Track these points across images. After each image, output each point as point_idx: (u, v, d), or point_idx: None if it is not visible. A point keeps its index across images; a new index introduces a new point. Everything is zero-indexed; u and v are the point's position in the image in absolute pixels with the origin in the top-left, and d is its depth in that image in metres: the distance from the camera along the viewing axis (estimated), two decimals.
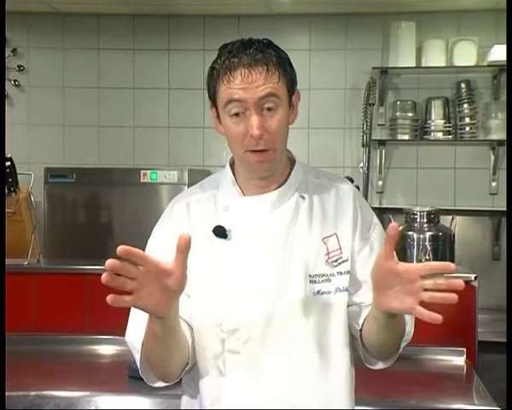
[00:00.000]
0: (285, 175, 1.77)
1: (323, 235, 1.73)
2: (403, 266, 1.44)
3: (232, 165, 1.80)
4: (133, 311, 1.77)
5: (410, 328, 1.72)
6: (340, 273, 1.72)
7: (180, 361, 1.70)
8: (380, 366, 1.80)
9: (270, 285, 1.70)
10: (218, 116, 1.70)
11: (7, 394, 2.63)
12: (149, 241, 1.85)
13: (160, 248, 1.76)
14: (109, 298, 1.36)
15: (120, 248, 1.36)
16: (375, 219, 1.84)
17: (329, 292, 1.71)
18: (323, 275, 1.71)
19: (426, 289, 1.40)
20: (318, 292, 1.70)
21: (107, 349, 3.23)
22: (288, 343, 1.70)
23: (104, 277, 1.35)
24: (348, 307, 1.76)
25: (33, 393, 2.66)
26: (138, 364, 1.72)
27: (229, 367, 1.70)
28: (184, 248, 1.42)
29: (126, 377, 2.72)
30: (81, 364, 3.12)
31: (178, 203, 1.85)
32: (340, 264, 1.73)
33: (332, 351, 1.73)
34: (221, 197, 1.78)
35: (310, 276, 1.70)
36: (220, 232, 1.73)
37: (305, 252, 1.71)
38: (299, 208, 1.74)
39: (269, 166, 1.70)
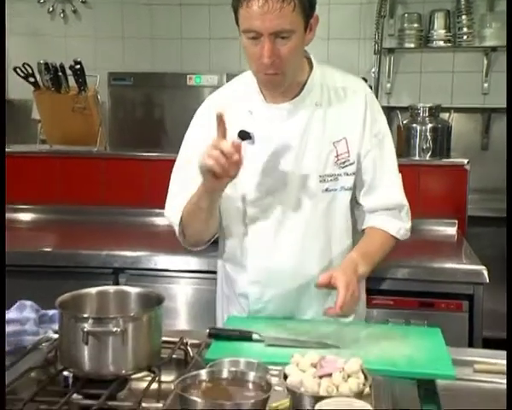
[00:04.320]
0: (302, 83, 1.70)
1: (334, 139, 1.69)
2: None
3: None
4: (170, 193, 1.81)
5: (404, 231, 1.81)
6: (347, 174, 1.70)
7: (211, 231, 1.76)
8: None
9: (285, 182, 1.69)
10: (238, 29, 1.63)
11: (85, 252, 2.73)
12: (186, 134, 1.86)
13: (194, 141, 1.80)
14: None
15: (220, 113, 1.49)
16: (383, 124, 1.78)
17: (335, 189, 1.70)
18: (332, 175, 1.69)
19: None
20: (326, 189, 1.69)
21: (161, 221, 3.27)
22: (299, 227, 1.71)
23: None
24: (356, 204, 1.78)
25: (104, 252, 2.73)
26: (177, 234, 1.79)
27: (254, 246, 1.75)
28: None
29: (178, 242, 2.77)
30: (141, 232, 3.18)
31: (209, 104, 1.83)
32: (347, 166, 1.70)
33: (334, 236, 1.75)
34: (246, 100, 1.74)
35: (320, 176, 1.68)
36: (245, 135, 1.70)
37: (317, 155, 1.68)
38: (313, 115, 1.70)
39: (277, 88, 1.65)
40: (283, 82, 1.63)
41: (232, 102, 1.76)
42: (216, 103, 1.79)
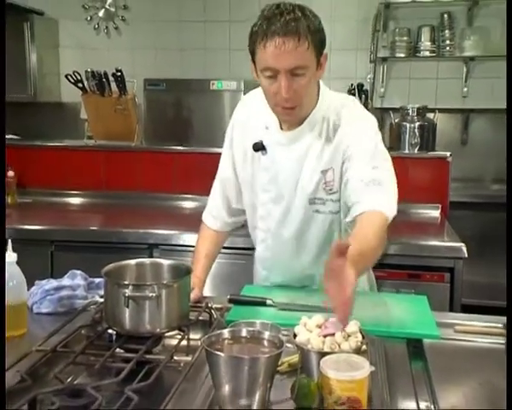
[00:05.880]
0: (308, 113, 1.57)
1: (323, 168, 1.58)
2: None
3: None
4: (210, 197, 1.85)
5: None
6: (333, 200, 1.60)
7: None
8: None
9: (284, 195, 1.64)
10: (255, 69, 1.50)
11: (125, 230, 2.73)
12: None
13: (223, 158, 1.77)
14: None
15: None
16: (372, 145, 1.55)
17: (324, 212, 1.61)
18: (321, 199, 1.60)
19: None
20: (317, 211, 1.62)
21: (188, 204, 3.28)
22: (294, 231, 1.66)
23: None
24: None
25: (141, 231, 2.74)
26: None
27: (261, 237, 1.74)
28: None
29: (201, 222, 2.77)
30: (172, 213, 3.19)
31: (236, 118, 1.74)
32: (333, 193, 1.59)
33: (325, 251, 1.64)
34: (264, 115, 1.62)
35: (309, 199, 1.61)
36: (259, 147, 1.63)
37: (308, 181, 1.60)
38: (311, 147, 1.59)
39: (293, 119, 1.56)
40: (299, 114, 1.54)
41: (252, 117, 1.68)
42: (238, 121, 1.73)
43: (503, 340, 1.31)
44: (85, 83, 3.42)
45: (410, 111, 3.41)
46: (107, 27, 4.69)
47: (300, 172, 1.61)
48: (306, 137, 1.59)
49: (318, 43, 1.44)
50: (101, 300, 1.45)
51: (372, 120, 1.60)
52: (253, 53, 1.46)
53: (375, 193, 1.46)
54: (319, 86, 1.60)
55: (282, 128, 1.61)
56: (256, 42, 1.43)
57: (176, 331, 1.34)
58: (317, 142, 1.58)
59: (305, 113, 1.56)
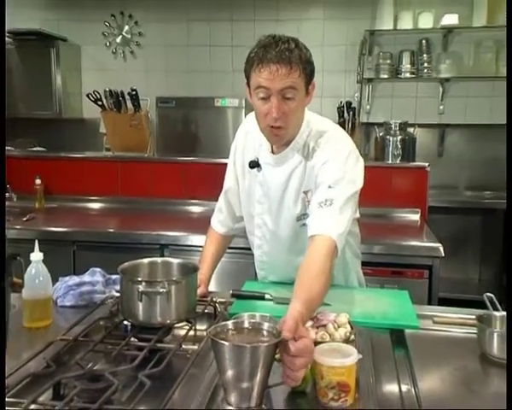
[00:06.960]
0: (293, 137, 1.54)
1: (305, 189, 1.56)
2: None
3: None
4: (216, 206, 1.81)
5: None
6: None
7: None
8: None
9: (275, 210, 1.62)
10: (250, 91, 1.46)
11: (139, 232, 2.73)
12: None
13: (228, 172, 1.75)
14: None
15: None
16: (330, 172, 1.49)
17: None
18: (306, 214, 1.56)
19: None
20: (304, 224, 1.57)
21: (196, 209, 3.28)
22: (286, 238, 1.64)
23: None
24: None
25: (153, 232, 2.73)
26: None
27: (257, 243, 1.72)
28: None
29: (207, 225, 2.76)
30: (181, 217, 3.18)
31: (238, 136, 1.72)
32: None
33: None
34: (260, 134, 1.57)
35: (297, 217, 1.59)
36: (255, 164, 1.61)
37: (293, 201, 1.58)
38: (295, 169, 1.56)
39: (279, 140, 1.52)
40: (285, 136, 1.49)
41: (250, 135, 1.67)
42: (239, 139, 1.72)
43: (475, 330, 1.30)
44: (104, 101, 3.43)
45: (393, 126, 3.43)
46: (123, 52, 4.70)
47: (285, 193, 1.59)
48: (290, 161, 1.56)
49: (308, 72, 1.42)
50: (118, 294, 1.44)
51: (346, 149, 1.51)
52: (248, 76, 1.44)
53: (324, 214, 1.41)
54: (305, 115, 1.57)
55: (272, 150, 1.60)
56: (252, 66, 1.40)
57: (184, 323, 1.34)
58: (299, 166, 1.56)
59: (290, 136, 1.53)
